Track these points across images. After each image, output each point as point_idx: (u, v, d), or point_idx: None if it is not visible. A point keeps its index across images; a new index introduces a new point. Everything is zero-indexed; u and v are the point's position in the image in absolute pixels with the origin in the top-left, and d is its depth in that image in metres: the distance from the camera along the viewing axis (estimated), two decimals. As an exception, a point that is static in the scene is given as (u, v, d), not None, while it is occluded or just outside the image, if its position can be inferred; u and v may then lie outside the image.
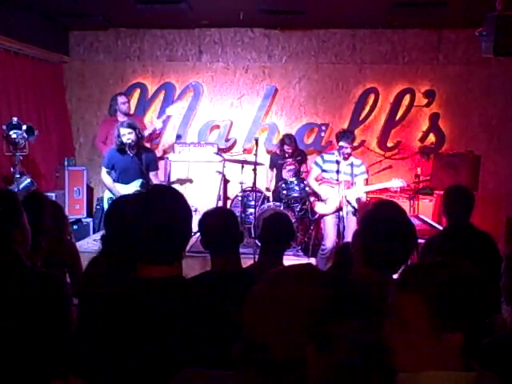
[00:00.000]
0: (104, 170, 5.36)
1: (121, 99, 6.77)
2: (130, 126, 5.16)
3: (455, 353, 1.13)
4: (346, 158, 5.37)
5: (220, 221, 2.25)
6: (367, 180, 5.97)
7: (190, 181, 6.69)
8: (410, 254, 1.85)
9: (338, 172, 5.33)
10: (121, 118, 6.64)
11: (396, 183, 5.52)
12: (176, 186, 6.82)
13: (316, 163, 5.59)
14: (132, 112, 7.04)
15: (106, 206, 5.49)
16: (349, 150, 5.36)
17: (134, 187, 5.19)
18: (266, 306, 1.02)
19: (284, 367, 0.99)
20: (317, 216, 5.75)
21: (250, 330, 1.02)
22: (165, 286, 1.45)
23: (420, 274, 1.19)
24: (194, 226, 6.87)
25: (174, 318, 1.41)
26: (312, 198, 5.68)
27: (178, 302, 1.45)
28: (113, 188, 5.27)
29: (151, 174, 5.36)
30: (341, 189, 5.25)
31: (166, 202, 1.53)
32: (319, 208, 5.54)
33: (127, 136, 5.10)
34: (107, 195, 5.39)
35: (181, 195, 1.63)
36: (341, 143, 5.34)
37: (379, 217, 1.83)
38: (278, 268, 1.15)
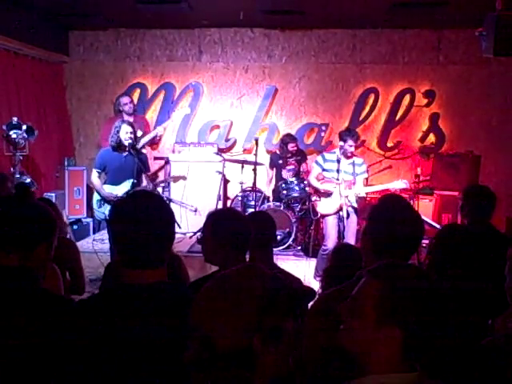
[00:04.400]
0: (95, 172, 5.17)
1: (123, 100, 6.76)
2: (130, 124, 5.13)
3: (394, 350, 1.17)
4: (349, 157, 5.34)
5: (234, 222, 2.23)
6: (367, 179, 5.95)
7: (184, 178, 6.63)
8: (418, 246, 1.87)
9: (338, 171, 5.29)
10: (126, 118, 6.66)
11: (399, 184, 5.44)
12: (173, 185, 6.82)
13: (317, 162, 5.52)
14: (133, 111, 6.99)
15: (96, 208, 5.26)
16: (353, 149, 5.32)
17: (124, 188, 5.07)
18: (213, 302, 1.10)
19: (230, 359, 1.05)
20: (318, 216, 5.70)
21: (200, 327, 1.08)
22: (147, 293, 1.47)
23: (387, 267, 1.27)
24: (195, 226, 6.83)
25: (152, 323, 1.43)
26: (314, 198, 5.62)
27: (157, 308, 1.46)
28: (101, 190, 5.12)
29: (144, 175, 5.30)
30: (342, 188, 5.23)
31: (143, 207, 1.54)
32: (321, 208, 5.49)
33: (128, 135, 5.02)
34: (96, 197, 5.21)
35: (160, 199, 1.65)
36: (341, 142, 5.29)
37: (388, 210, 1.84)
38: (226, 271, 1.21)
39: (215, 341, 1.06)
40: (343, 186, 5.25)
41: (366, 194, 5.57)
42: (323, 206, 5.45)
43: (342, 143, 5.27)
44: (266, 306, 1.09)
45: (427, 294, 1.20)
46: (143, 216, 1.51)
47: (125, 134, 5.01)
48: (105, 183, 5.20)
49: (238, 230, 2.17)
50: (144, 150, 6.33)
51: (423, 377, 1.19)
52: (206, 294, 1.15)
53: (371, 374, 1.19)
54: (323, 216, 5.48)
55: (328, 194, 5.35)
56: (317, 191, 5.50)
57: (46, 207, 1.84)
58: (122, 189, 5.09)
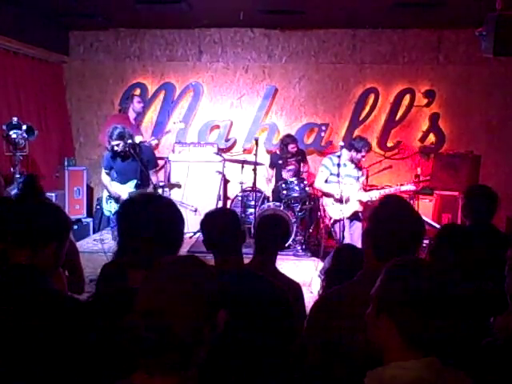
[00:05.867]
0: (104, 171, 5.49)
1: (137, 99, 6.96)
2: (118, 137, 5.22)
3: (394, 337, 1.26)
4: (358, 167, 5.34)
5: (222, 221, 2.24)
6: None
7: (179, 186, 6.71)
8: (419, 247, 1.87)
9: (338, 175, 5.27)
10: (131, 115, 6.84)
11: (410, 187, 5.46)
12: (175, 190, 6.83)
13: (326, 166, 5.44)
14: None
15: (104, 204, 5.57)
16: (364, 159, 5.36)
17: (128, 188, 5.32)
18: (170, 293, 1.11)
19: (182, 346, 1.09)
20: (332, 220, 5.54)
21: (152, 314, 1.10)
22: None
23: (400, 262, 1.37)
24: (195, 226, 6.86)
25: None
26: (325, 201, 5.53)
27: None
28: (109, 187, 5.42)
29: (151, 172, 5.44)
30: (355, 192, 5.22)
31: (154, 209, 1.58)
32: (332, 213, 5.39)
33: (115, 148, 5.26)
34: (106, 194, 5.54)
35: (169, 203, 1.67)
36: (353, 152, 5.22)
37: (388, 211, 1.84)
38: (169, 259, 1.25)
39: (171, 325, 1.08)
40: (355, 189, 5.24)
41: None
42: (335, 211, 5.36)
43: (354, 153, 5.25)
44: (213, 297, 1.14)
45: (418, 288, 1.26)
46: (153, 217, 1.54)
47: (115, 146, 5.19)
48: (113, 180, 5.47)
49: (215, 229, 2.18)
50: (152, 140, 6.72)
51: (437, 363, 1.24)
52: (157, 284, 1.16)
53: (388, 363, 1.26)
54: (336, 221, 5.40)
55: (341, 199, 5.28)
56: (327, 195, 5.45)
57: (59, 208, 1.85)
58: (126, 188, 5.31)
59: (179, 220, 1.64)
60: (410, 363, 1.23)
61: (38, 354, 1.56)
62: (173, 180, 6.84)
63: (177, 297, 1.10)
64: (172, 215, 1.61)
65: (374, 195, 5.31)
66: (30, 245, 1.70)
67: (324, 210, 5.66)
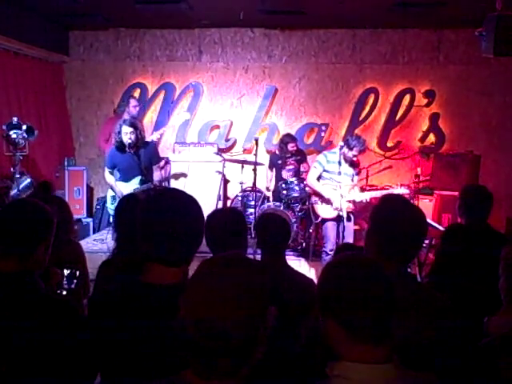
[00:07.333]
0: (107, 170, 5.38)
1: (133, 102, 6.82)
2: (132, 124, 5.10)
3: (341, 337, 1.21)
4: (352, 164, 5.28)
5: (227, 220, 2.23)
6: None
7: (185, 175, 6.64)
8: (422, 244, 1.86)
9: (339, 173, 5.21)
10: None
11: (402, 191, 5.36)
12: (173, 184, 6.82)
13: (319, 163, 5.31)
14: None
15: (109, 204, 5.50)
16: (355, 158, 5.24)
17: (133, 185, 5.23)
18: (222, 295, 1.07)
19: (240, 350, 1.07)
20: (319, 219, 5.52)
21: (207, 320, 1.06)
22: (171, 293, 1.45)
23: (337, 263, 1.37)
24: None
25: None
26: (314, 199, 5.47)
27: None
28: (114, 186, 5.32)
29: (154, 168, 5.36)
30: (346, 192, 5.16)
31: (179, 206, 1.56)
32: (322, 212, 5.37)
33: (128, 135, 5.05)
34: (110, 194, 5.43)
35: (193, 199, 1.65)
36: (345, 147, 5.14)
37: (389, 210, 1.83)
38: (216, 258, 1.21)
39: (227, 331, 1.05)
40: (347, 188, 5.19)
41: (371, 199, 5.42)
42: (324, 210, 5.33)
43: (346, 149, 5.13)
44: (266, 294, 1.12)
45: (354, 286, 1.22)
46: (176, 213, 1.53)
47: (125, 135, 5.05)
48: (118, 180, 5.37)
49: (219, 228, 2.20)
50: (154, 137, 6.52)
51: (398, 368, 1.20)
52: (207, 287, 1.12)
53: (340, 361, 1.23)
54: (324, 220, 5.36)
55: (329, 201, 5.24)
56: (316, 193, 5.39)
57: (43, 206, 1.80)
58: (131, 185, 5.24)
59: (201, 214, 1.62)
60: (357, 365, 1.19)
61: (43, 361, 1.55)
62: (172, 181, 6.83)
63: (230, 302, 1.06)
64: (194, 208, 1.60)
65: (366, 197, 5.23)
66: (18, 254, 1.67)
67: (313, 209, 5.54)
